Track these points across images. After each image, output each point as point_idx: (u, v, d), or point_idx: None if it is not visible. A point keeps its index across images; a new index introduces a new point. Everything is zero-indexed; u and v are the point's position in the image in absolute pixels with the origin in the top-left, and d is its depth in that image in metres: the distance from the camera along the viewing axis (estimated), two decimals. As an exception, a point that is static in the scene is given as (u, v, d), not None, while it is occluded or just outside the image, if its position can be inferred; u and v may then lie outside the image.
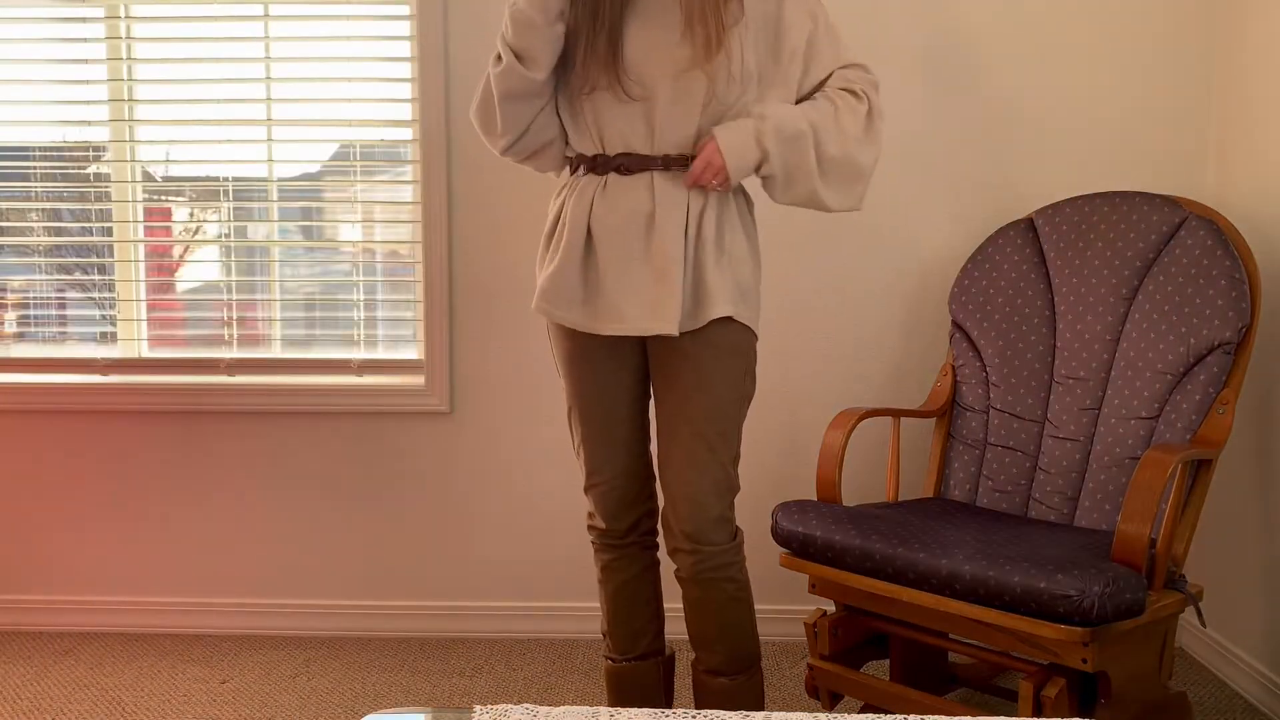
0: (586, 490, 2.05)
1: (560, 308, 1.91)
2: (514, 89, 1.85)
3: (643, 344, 1.97)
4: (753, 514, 2.85)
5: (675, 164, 1.87)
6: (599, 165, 1.90)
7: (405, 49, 2.84)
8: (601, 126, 1.87)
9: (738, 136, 1.84)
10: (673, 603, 2.84)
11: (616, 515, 2.03)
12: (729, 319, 1.88)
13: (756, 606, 2.90)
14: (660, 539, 2.09)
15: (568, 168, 1.98)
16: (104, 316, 2.99)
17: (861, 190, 1.97)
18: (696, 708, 2.09)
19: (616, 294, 1.87)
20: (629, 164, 1.87)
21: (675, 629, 2.85)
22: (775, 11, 1.88)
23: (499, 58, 1.86)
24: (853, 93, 1.93)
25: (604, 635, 2.14)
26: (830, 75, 1.93)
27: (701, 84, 1.82)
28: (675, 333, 1.84)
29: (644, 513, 2.06)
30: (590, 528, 2.10)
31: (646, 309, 1.85)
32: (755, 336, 1.96)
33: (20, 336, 3.01)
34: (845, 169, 1.92)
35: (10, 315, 3.01)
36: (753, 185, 2.01)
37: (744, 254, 1.93)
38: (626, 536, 2.05)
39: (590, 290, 1.90)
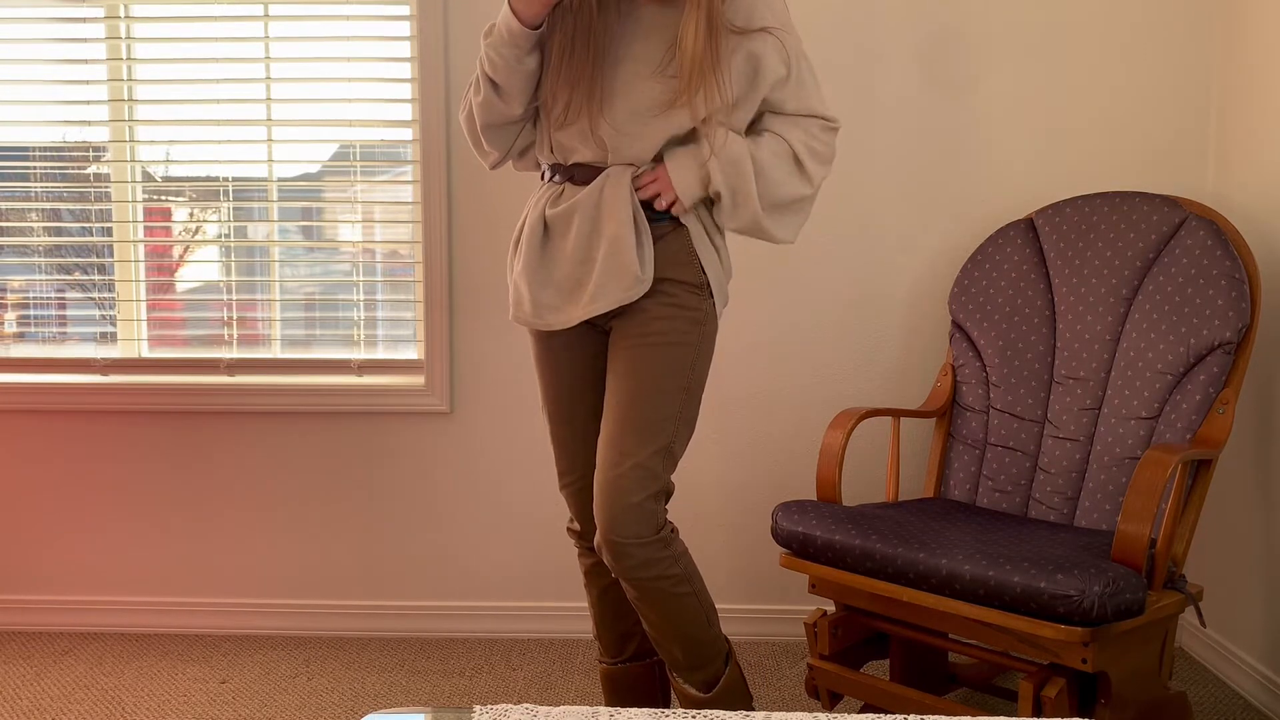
0: (560, 490, 2.08)
1: (529, 313, 1.95)
2: (493, 119, 1.94)
3: (604, 337, 1.97)
4: (753, 514, 2.86)
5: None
6: (558, 172, 1.95)
7: (405, 49, 2.84)
8: (561, 143, 1.92)
9: (688, 170, 1.86)
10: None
11: (587, 516, 2.01)
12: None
13: (757, 606, 2.91)
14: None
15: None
16: (104, 316, 2.99)
17: (800, 222, 1.96)
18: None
19: (564, 287, 1.91)
20: (582, 174, 1.90)
21: (675, 629, 2.85)
22: (759, 51, 1.86)
23: (479, 86, 1.92)
24: (798, 137, 1.92)
25: (595, 638, 2.14)
26: (784, 116, 1.93)
27: (675, 120, 1.84)
28: (586, 316, 1.87)
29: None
30: (569, 530, 2.11)
31: (583, 299, 1.88)
32: (703, 325, 1.91)
33: (20, 336, 3.01)
34: (783, 200, 1.92)
35: (10, 315, 3.01)
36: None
37: (703, 240, 1.93)
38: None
39: (545, 288, 1.94)
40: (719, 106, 1.81)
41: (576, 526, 2.09)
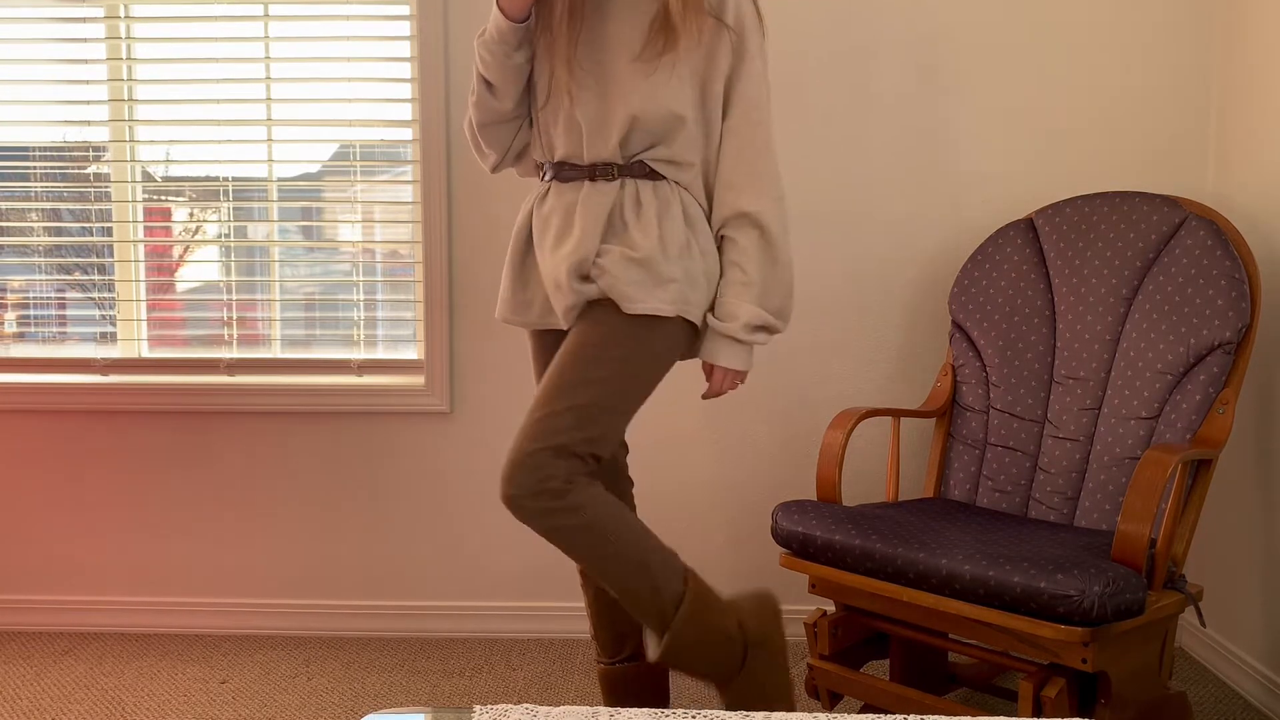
0: None
1: (510, 311, 2.00)
2: (487, 117, 1.98)
3: None
4: (753, 514, 2.86)
5: (600, 174, 1.91)
6: (546, 172, 1.98)
7: (405, 49, 2.84)
8: (550, 134, 1.95)
9: (729, 350, 1.91)
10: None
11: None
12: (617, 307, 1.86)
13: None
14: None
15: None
16: (104, 316, 2.99)
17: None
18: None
19: (543, 288, 1.95)
20: (568, 173, 1.93)
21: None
22: (713, 45, 1.87)
23: (474, 88, 1.97)
24: (751, 225, 1.91)
25: (592, 638, 2.14)
26: (732, 144, 1.91)
27: (635, 91, 1.84)
28: (564, 326, 1.90)
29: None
30: None
31: (562, 295, 1.89)
32: (659, 326, 1.87)
33: (20, 336, 3.02)
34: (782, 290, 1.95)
35: (10, 315, 3.01)
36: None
37: (655, 240, 1.87)
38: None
39: (525, 287, 1.99)
40: (679, 69, 1.84)
41: None
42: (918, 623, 2.04)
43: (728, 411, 2.83)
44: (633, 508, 2.14)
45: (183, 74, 2.89)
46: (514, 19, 1.85)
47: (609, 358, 1.83)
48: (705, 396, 1.97)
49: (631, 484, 2.15)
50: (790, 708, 1.77)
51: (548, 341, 2.04)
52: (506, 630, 2.89)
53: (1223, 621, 2.59)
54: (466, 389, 2.86)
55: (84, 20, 2.89)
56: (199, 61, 2.88)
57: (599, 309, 1.87)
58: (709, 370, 1.94)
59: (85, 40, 2.90)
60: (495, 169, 2.08)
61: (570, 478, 1.77)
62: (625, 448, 2.15)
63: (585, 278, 1.87)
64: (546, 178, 1.98)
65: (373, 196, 2.94)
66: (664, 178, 1.91)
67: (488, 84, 1.93)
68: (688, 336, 1.93)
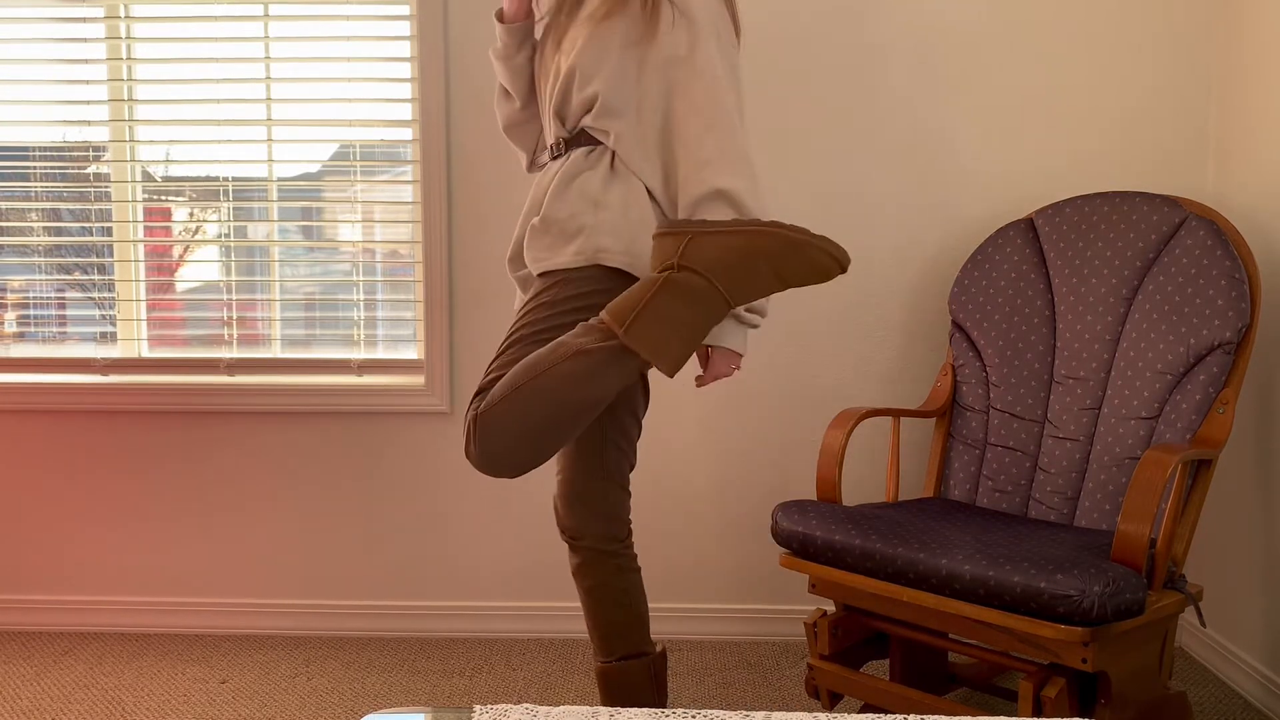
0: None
1: (513, 267, 2.06)
2: (505, 119, 2.12)
3: None
4: (753, 514, 2.86)
5: (574, 144, 1.96)
6: (550, 150, 2.04)
7: (405, 49, 2.84)
8: (543, 120, 2.05)
9: (728, 330, 1.88)
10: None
11: (566, 513, 1.99)
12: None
13: (757, 606, 2.91)
14: (631, 549, 2.09)
15: None
16: (104, 316, 2.99)
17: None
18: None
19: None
20: (556, 148, 2.00)
21: (668, 629, 2.86)
22: (673, 30, 1.87)
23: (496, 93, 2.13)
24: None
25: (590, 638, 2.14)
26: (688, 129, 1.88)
27: (574, 49, 1.89)
28: (512, 272, 2.01)
29: (600, 517, 1.98)
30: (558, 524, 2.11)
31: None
32: (573, 279, 1.89)
33: (20, 336, 3.01)
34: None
35: (10, 315, 3.01)
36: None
37: (565, 199, 1.92)
38: (580, 539, 1.98)
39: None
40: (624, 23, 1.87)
41: (560, 521, 2.07)
42: (918, 623, 2.04)
43: (728, 412, 2.83)
44: (623, 516, 2.10)
45: (183, 74, 2.89)
46: (507, 21, 2.00)
47: (527, 309, 1.91)
48: (700, 383, 1.94)
49: (626, 494, 2.04)
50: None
51: None
52: (506, 630, 2.89)
53: (1223, 621, 2.59)
54: (466, 389, 2.86)
55: (84, 20, 2.89)
56: (199, 61, 2.88)
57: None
58: (705, 356, 1.93)
59: (85, 40, 2.90)
60: (530, 169, 2.18)
61: (481, 393, 1.82)
62: (629, 457, 2.06)
63: (521, 265, 2.00)
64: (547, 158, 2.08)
65: (373, 196, 2.94)
66: (600, 144, 1.94)
67: (501, 87, 2.09)
68: (618, 279, 1.90)
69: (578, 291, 1.89)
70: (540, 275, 1.94)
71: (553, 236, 1.92)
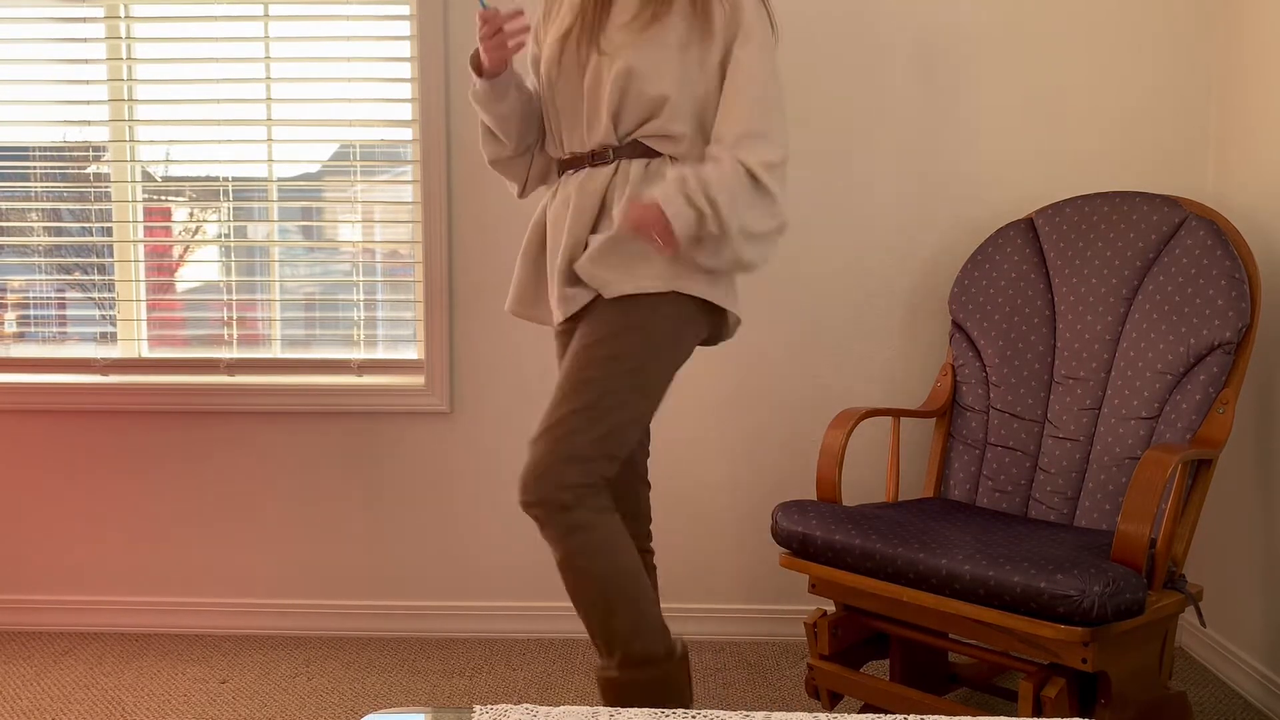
0: None
1: (522, 306, 2.01)
2: (493, 155, 2.06)
3: None
4: (753, 514, 2.86)
5: (599, 159, 1.90)
6: (559, 167, 2.00)
7: (405, 49, 2.84)
8: (560, 130, 1.96)
9: (670, 192, 1.78)
10: (664, 602, 2.85)
11: None
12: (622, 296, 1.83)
13: (757, 606, 2.91)
14: (648, 547, 2.11)
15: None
16: (104, 316, 2.99)
17: (766, 251, 1.87)
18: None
19: (550, 286, 1.95)
20: (573, 163, 1.94)
21: (673, 628, 2.85)
22: (728, 28, 1.84)
23: (480, 129, 2.05)
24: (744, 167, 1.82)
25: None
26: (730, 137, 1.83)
27: (622, 59, 1.82)
28: (570, 310, 1.87)
29: (631, 516, 2.05)
30: None
31: (556, 298, 1.90)
32: (655, 306, 1.82)
33: (20, 336, 3.01)
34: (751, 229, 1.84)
35: (10, 315, 3.01)
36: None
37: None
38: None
39: (538, 284, 2.00)
40: (667, 39, 1.82)
41: None
42: (918, 623, 2.04)
43: (728, 412, 2.83)
44: (647, 511, 2.12)
45: (183, 74, 2.89)
46: (487, 76, 1.91)
47: (605, 354, 1.81)
48: (618, 229, 1.83)
49: (648, 487, 2.13)
50: None
51: (567, 341, 2.02)
52: (506, 630, 2.89)
53: (1223, 621, 2.59)
54: (466, 389, 2.86)
55: (84, 20, 2.89)
56: (199, 61, 2.88)
57: (597, 304, 1.87)
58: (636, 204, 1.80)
59: (85, 40, 2.90)
60: (522, 195, 2.12)
61: (580, 492, 1.77)
62: (646, 450, 2.13)
63: (574, 280, 1.87)
64: (558, 174, 2.00)
65: (373, 196, 2.94)
66: (659, 154, 1.87)
67: (487, 128, 2.02)
68: (701, 312, 1.87)
69: (669, 328, 1.82)
70: (610, 300, 1.83)
71: (621, 252, 1.82)
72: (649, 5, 1.83)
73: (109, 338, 2.98)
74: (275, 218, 2.94)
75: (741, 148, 1.81)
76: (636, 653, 1.83)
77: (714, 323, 1.94)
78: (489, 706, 1.25)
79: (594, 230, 1.88)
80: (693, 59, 1.84)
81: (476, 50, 1.93)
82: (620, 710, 1.17)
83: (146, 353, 2.97)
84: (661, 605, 2.12)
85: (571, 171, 1.94)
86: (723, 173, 1.79)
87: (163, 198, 3.00)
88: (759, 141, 1.81)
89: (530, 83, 2.03)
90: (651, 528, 2.14)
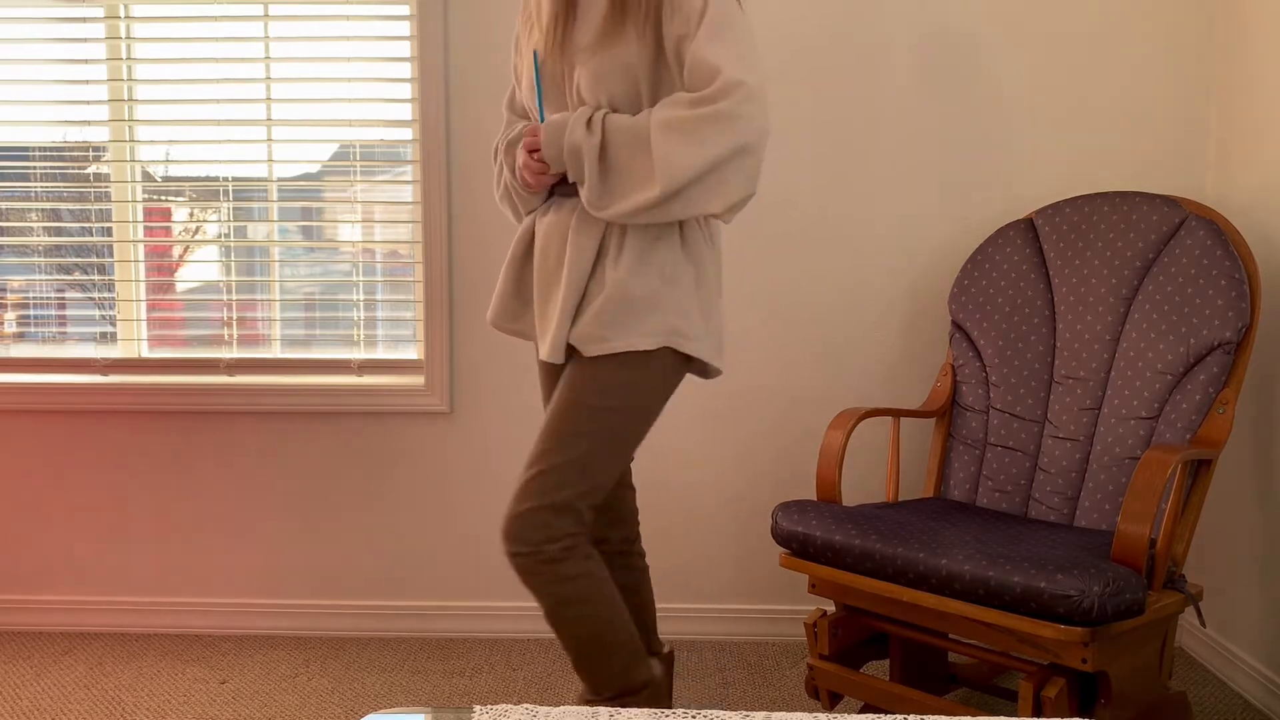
0: None
1: (504, 320, 1.98)
2: (505, 209, 2.02)
3: None
4: (753, 514, 2.86)
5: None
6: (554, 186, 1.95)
7: (405, 49, 2.84)
8: None
9: (561, 119, 1.78)
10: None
11: (593, 520, 2.01)
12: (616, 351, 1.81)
13: (757, 606, 2.91)
14: (637, 549, 2.11)
15: None
16: (104, 316, 2.99)
17: (723, 192, 1.74)
18: None
19: (538, 315, 1.91)
20: (566, 186, 1.88)
21: (668, 629, 2.86)
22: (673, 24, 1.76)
23: (497, 178, 2.00)
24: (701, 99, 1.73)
25: None
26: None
27: (591, 61, 1.79)
28: (558, 360, 1.83)
29: (603, 522, 2.04)
30: None
31: (547, 334, 1.85)
32: (647, 362, 1.81)
33: (20, 336, 3.01)
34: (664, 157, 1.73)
35: (10, 315, 3.01)
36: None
37: (638, 271, 1.80)
38: (604, 543, 2.06)
39: (527, 305, 1.96)
40: (627, 48, 1.77)
41: None
42: (918, 623, 2.04)
43: (728, 413, 2.83)
44: (634, 514, 2.12)
45: (183, 74, 2.89)
46: (532, 192, 1.91)
47: (602, 408, 1.80)
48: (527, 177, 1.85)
49: (633, 490, 2.11)
50: None
51: (551, 372, 2.00)
52: (507, 630, 2.89)
53: (1223, 621, 2.59)
54: (466, 389, 2.86)
55: (84, 20, 2.89)
56: (199, 61, 2.88)
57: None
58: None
59: (85, 40, 2.90)
60: (520, 222, 2.09)
61: (569, 543, 1.79)
62: (630, 488, 2.12)
63: (560, 340, 1.83)
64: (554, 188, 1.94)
65: (373, 196, 2.94)
66: None
67: (508, 192, 1.97)
68: (685, 364, 1.86)
69: (657, 383, 1.82)
70: (598, 357, 1.80)
71: (622, 308, 1.79)
72: (611, 15, 1.78)
73: (109, 338, 2.98)
74: (275, 218, 2.94)
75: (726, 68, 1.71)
76: (624, 688, 1.89)
77: (695, 368, 1.92)
78: (489, 706, 1.25)
79: (591, 273, 1.83)
80: (650, 55, 1.78)
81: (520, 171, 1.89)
82: (620, 710, 1.17)
83: (146, 353, 2.97)
84: (661, 605, 2.13)
85: (565, 196, 1.89)
86: (637, 118, 1.76)
87: (163, 198, 3.00)
88: (707, 78, 1.72)
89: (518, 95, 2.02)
90: (640, 529, 2.14)
